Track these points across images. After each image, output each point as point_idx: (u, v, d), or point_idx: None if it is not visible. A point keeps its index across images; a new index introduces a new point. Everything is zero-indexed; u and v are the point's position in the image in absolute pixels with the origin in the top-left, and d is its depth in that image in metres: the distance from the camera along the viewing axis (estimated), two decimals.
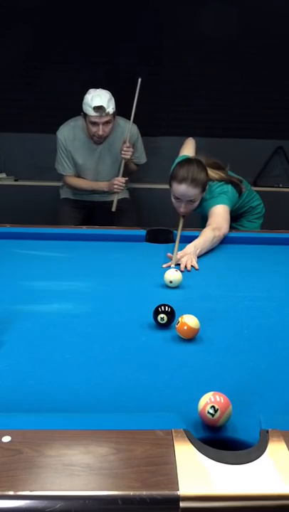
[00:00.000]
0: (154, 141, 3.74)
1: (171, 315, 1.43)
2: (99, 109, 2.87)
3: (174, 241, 2.32)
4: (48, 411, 1.01)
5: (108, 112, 2.90)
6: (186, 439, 0.88)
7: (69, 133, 3.09)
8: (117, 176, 3.11)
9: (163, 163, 3.33)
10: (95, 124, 2.94)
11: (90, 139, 3.06)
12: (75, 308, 1.59)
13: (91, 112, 2.90)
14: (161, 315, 1.42)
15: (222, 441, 0.94)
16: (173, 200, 2.41)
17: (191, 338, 1.36)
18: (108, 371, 1.20)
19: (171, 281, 1.75)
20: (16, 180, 4.05)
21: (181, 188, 2.31)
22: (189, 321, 1.35)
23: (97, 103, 2.86)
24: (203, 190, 2.36)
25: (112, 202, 3.12)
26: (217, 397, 0.98)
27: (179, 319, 1.36)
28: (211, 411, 0.96)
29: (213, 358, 1.28)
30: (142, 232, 2.35)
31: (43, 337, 1.37)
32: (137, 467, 0.82)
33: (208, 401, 0.98)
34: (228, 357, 1.29)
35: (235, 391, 1.08)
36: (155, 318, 1.43)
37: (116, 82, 3.35)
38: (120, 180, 3.09)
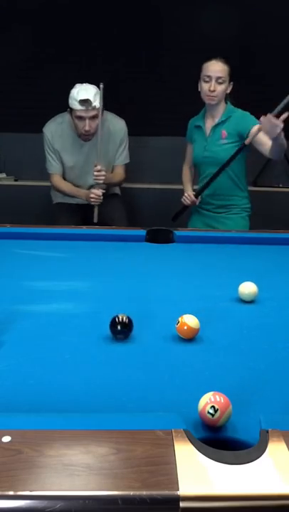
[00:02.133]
0: (153, 141, 3.73)
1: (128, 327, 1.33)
2: (85, 102, 2.80)
3: (174, 241, 2.32)
4: (48, 411, 1.01)
5: (94, 106, 2.83)
6: (186, 439, 0.88)
7: (56, 129, 3.02)
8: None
9: (160, 163, 3.34)
10: (81, 118, 2.87)
11: (78, 136, 2.99)
12: (74, 308, 1.59)
13: (77, 106, 2.82)
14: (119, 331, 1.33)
15: (222, 441, 0.94)
16: (203, 84, 2.73)
17: (191, 338, 1.36)
18: (108, 371, 1.20)
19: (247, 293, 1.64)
20: (15, 180, 4.05)
21: (211, 63, 2.69)
22: (189, 321, 1.35)
23: (82, 96, 2.79)
24: (230, 77, 2.72)
25: (105, 200, 3.02)
26: (217, 397, 0.98)
27: (179, 319, 1.36)
28: (211, 411, 0.96)
29: (213, 358, 1.28)
30: (142, 232, 2.35)
31: (43, 337, 1.37)
32: (137, 467, 0.82)
33: (208, 401, 0.98)
34: (228, 357, 1.29)
35: (235, 391, 1.08)
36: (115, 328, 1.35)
37: (116, 81, 3.36)
38: (96, 193, 2.94)
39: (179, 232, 2.36)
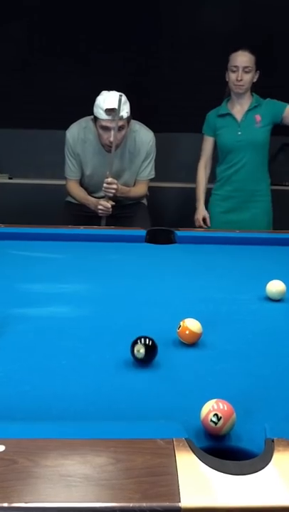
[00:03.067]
0: (155, 138, 3.73)
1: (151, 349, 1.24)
2: (111, 111, 2.67)
3: (175, 241, 2.32)
4: (44, 419, 1.01)
5: (122, 116, 2.69)
6: (188, 448, 0.88)
7: (79, 133, 2.91)
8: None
9: (164, 161, 3.33)
10: (106, 129, 2.73)
11: (102, 145, 2.87)
12: (72, 311, 1.59)
13: (102, 115, 2.70)
14: (139, 349, 1.24)
15: (225, 451, 0.93)
16: (230, 74, 2.95)
17: (193, 342, 1.36)
18: (107, 377, 1.20)
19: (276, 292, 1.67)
20: (10, 179, 4.04)
21: (238, 53, 2.90)
22: (191, 325, 1.35)
23: (109, 105, 2.66)
24: (256, 68, 2.94)
25: (117, 207, 2.92)
26: (220, 404, 0.98)
27: (181, 323, 1.36)
28: (214, 419, 0.96)
29: (216, 363, 1.28)
30: (142, 232, 2.35)
31: (39, 342, 1.37)
32: (136, 478, 0.82)
33: (211, 409, 0.97)
34: (231, 363, 1.29)
35: (239, 398, 1.07)
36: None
37: (115, 76, 3.35)
38: (104, 205, 2.81)
39: (180, 233, 2.36)
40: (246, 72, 2.91)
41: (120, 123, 2.72)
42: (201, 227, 3.12)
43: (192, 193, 3.22)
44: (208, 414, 0.97)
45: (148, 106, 3.61)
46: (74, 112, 3.08)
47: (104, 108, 2.68)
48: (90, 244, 2.25)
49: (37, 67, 3.82)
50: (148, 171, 3.01)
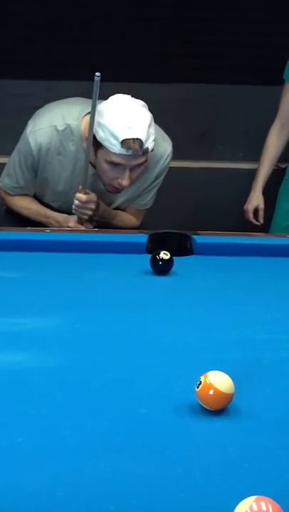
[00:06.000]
0: (155, 90, 3.74)
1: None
2: (132, 143, 2.48)
3: (192, 252, 2.32)
4: None
5: (146, 149, 2.54)
6: None
7: (52, 140, 2.72)
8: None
9: (168, 128, 3.34)
10: (116, 166, 2.58)
11: (92, 165, 2.69)
12: (33, 360, 1.60)
13: (115, 148, 2.50)
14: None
15: None
16: None
17: (220, 408, 1.36)
18: (86, 462, 1.20)
19: None
20: None
21: None
22: (218, 381, 1.35)
23: (129, 134, 2.46)
24: None
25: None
26: (262, 504, 0.98)
27: (202, 379, 1.37)
28: None
29: (255, 439, 1.28)
30: (142, 237, 2.35)
31: None
32: None
33: (249, 511, 0.98)
34: (278, 439, 1.29)
35: None
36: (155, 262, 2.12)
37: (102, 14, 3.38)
38: (74, 228, 2.73)
39: (200, 238, 2.36)
40: None
41: (141, 159, 2.59)
42: (250, 222, 3.18)
43: (216, 175, 3.23)
44: None
45: (152, 44, 3.63)
46: (26, 52, 3.04)
47: (122, 139, 2.48)
48: (61, 256, 2.26)
49: None
50: (149, 197, 2.97)
